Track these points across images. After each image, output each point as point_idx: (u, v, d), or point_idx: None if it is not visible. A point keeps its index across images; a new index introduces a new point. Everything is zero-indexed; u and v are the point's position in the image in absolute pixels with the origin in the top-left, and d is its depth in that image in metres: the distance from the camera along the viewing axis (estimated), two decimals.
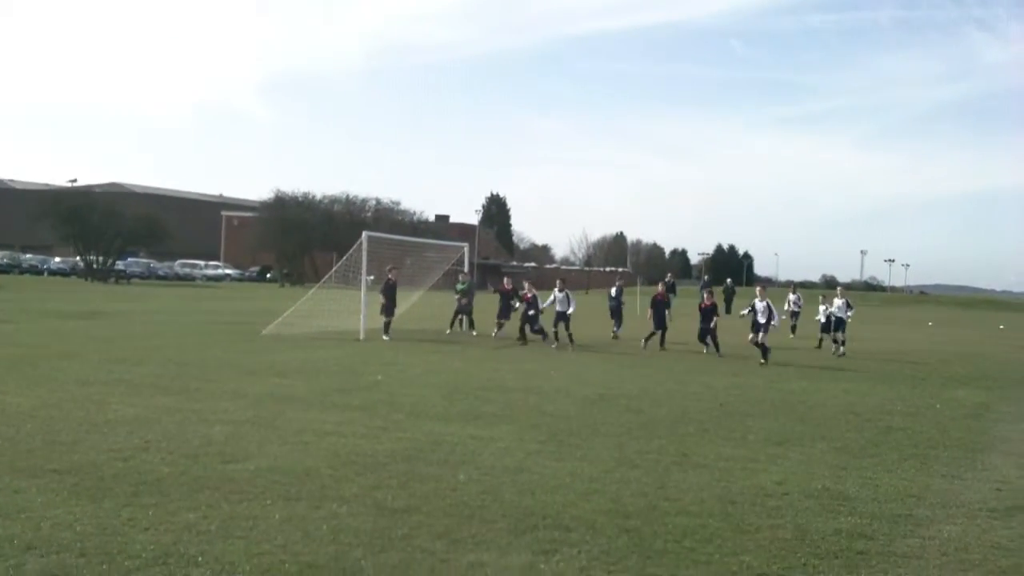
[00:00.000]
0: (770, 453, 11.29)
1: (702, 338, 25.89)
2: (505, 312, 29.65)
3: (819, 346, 29.16)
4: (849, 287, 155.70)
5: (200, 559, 6.53)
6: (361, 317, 26.76)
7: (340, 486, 8.75)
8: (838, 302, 27.88)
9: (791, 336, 32.45)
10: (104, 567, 6.31)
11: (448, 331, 29.68)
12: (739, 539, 7.56)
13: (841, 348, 27.00)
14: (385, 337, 26.15)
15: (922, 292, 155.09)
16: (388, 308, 27.12)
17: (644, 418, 13.71)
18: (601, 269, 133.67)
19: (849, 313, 27.86)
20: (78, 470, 9.00)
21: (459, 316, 30.55)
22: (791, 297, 33.83)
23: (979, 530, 8.15)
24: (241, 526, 7.32)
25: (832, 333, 27.77)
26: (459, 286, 31.08)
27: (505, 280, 31.67)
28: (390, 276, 27.51)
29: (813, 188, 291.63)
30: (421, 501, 8.31)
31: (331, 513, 7.79)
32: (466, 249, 34.53)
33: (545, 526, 7.66)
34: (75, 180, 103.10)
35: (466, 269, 32.84)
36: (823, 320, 29.29)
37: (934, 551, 7.47)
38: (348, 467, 9.57)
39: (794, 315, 33.61)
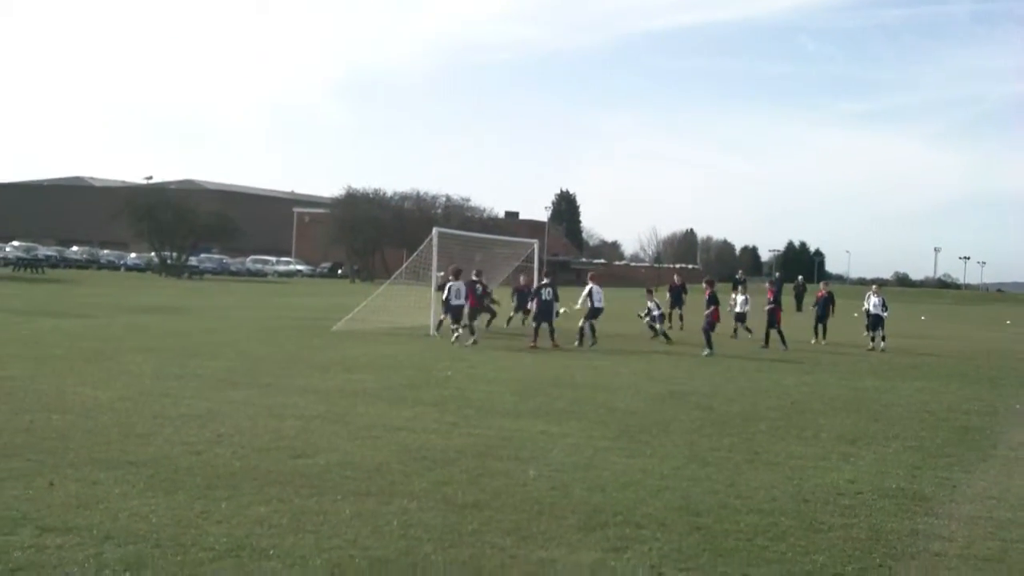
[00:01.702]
0: (842, 451, 11.13)
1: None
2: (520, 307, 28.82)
3: (733, 335, 29.12)
4: (922, 284, 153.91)
5: (272, 552, 6.60)
6: (431, 313, 26.80)
7: (410, 481, 8.79)
8: (875, 299, 27.85)
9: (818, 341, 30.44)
10: (179, 558, 6.41)
11: (505, 325, 29.37)
12: (812, 538, 7.45)
13: (881, 343, 27.08)
14: (434, 333, 26.03)
15: (999, 290, 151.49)
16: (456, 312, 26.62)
17: (715, 415, 13.59)
18: (672, 266, 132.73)
19: (886, 312, 27.70)
20: (153, 462, 9.16)
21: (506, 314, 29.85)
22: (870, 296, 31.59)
23: None
24: (312, 520, 7.39)
25: (870, 332, 27.80)
26: None
27: (521, 277, 30.83)
28: (450, 278, 26.63)
29: (885, 185, 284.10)
30: (491, 497, 8.32)
31: (401, 508, 7.83)
32: (536, 245, 34.44)
33: (615, 523, 7.62)
34: (151, 177, 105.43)
35: (535, 265, 32.50)
36: (738, 311, 28.70)
37: (1017, 555, 7.28)
38: (418, 462, 9.62)
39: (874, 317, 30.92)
